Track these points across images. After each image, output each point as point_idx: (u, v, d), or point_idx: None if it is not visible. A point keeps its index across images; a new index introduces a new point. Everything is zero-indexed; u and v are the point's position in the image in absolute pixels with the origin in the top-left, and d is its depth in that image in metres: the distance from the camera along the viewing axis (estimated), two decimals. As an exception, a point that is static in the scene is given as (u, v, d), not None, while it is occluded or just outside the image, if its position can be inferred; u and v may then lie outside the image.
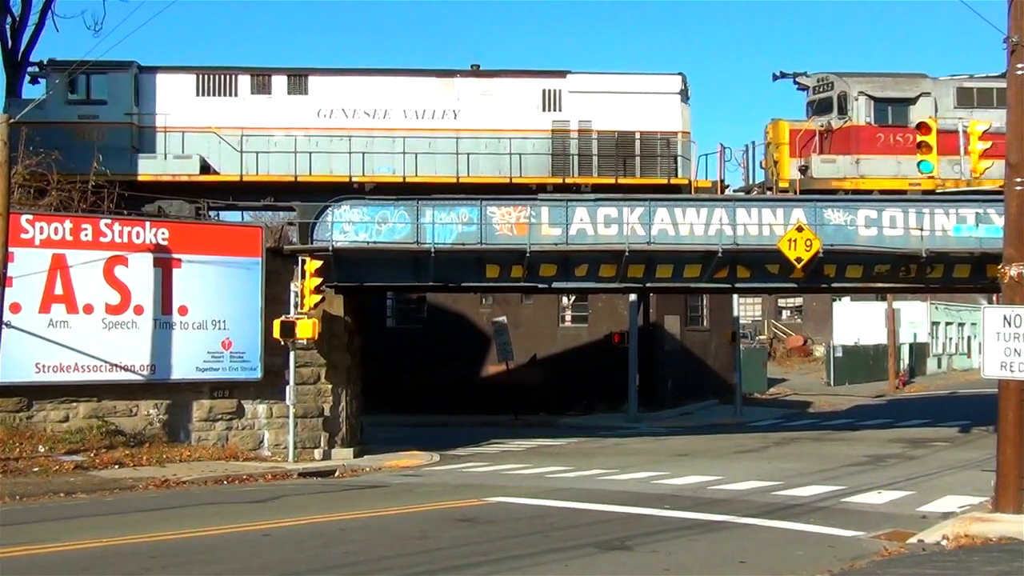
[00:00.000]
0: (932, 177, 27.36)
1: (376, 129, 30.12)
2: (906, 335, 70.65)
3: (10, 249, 22.89)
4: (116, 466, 23.53)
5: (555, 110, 30.66)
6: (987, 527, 14.83)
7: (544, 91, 30.84)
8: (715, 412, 47.13)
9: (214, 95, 30.05)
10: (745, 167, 31.94)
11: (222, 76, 30.25)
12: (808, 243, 28.24)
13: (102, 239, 25.82)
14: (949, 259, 29.86)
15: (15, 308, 24.31)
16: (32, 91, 31.70)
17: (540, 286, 30.94)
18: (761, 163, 32.01)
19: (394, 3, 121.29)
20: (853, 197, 29.97)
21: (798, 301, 77.90)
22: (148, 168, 29.31)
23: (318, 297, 27.33)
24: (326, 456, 28.31)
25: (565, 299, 47.47)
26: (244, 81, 30.24)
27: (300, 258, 27.56)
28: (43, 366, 24.97)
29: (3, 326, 22.84)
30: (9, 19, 34.66)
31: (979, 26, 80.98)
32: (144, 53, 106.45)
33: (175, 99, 29.77)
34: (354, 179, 29.63)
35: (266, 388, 27.69)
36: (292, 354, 27.36)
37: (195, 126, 29.67)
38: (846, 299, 72.92)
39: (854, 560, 13.44)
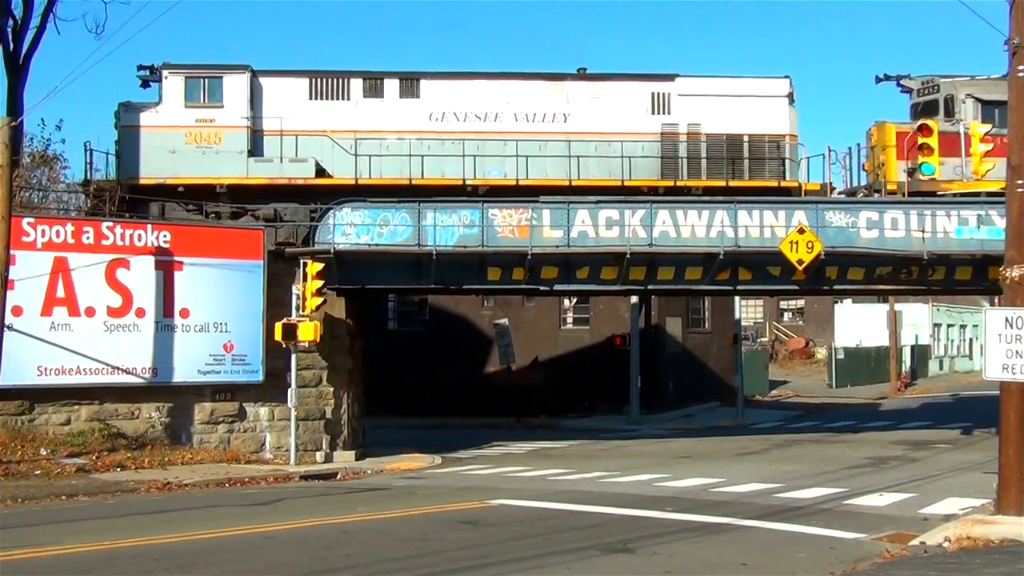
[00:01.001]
0: (933, 179, 27.33)
1: (487, 132, 30.18)
2: (908, 337, 70.61)
3: (12, 252, 22.90)
4: (118, 469, 23.54)
5: (664, 113, 30.71)
6: (989, 529, 14.82)
7: (653, 94, 30.90)
8: (717, 414, 47.11)
9: (327, 99, 30.14)
10: (847, 169, 31.90)
11: (335, 80, 30.34)
12: (810, 245, 28.23)
13: (104, 242, 25.83)
14: (951, 261, 29.84)
15: (17, 311, 24.33)
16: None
17: (541, 288, 30.93)
18: (863, 165, 31.92)
19: (501, 5, 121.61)
20: (854, 199, 29.96)
21: (800, 303, 77.90)
22: (263, 171, 29.39)
23: (320, 299, 27.34)
24: (328, 459, 28.31)
25: (567, 301, 47.47)
26: (356, 85, 30.30)
27: (302, 261, 27.57)
28: (45, 369, 24.98)
29: (5, 329, 22.85)
30: (11, 22, 34.67)
31: (979, 28, 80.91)
32: (255, 57, 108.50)
33: (288, 103, 29.83)
34: (467, 182, 29.71)
35: (268, 390, 27.70)
36: (294, 356, 27.37)
37: (308, 130, 29.70)
38: (848, 301, 72.88)
39: (856, 562, 13.44)
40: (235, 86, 29.45)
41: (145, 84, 30.02)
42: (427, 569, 13.01)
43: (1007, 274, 16.33)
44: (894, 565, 13.22)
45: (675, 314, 49.30)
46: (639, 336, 43.31)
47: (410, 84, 30.49)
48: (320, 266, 27.27)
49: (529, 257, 28.59)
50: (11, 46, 34.69)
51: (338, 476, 25.80)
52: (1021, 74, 16.43)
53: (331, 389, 28.94)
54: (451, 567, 13.09)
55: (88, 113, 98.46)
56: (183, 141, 29.08)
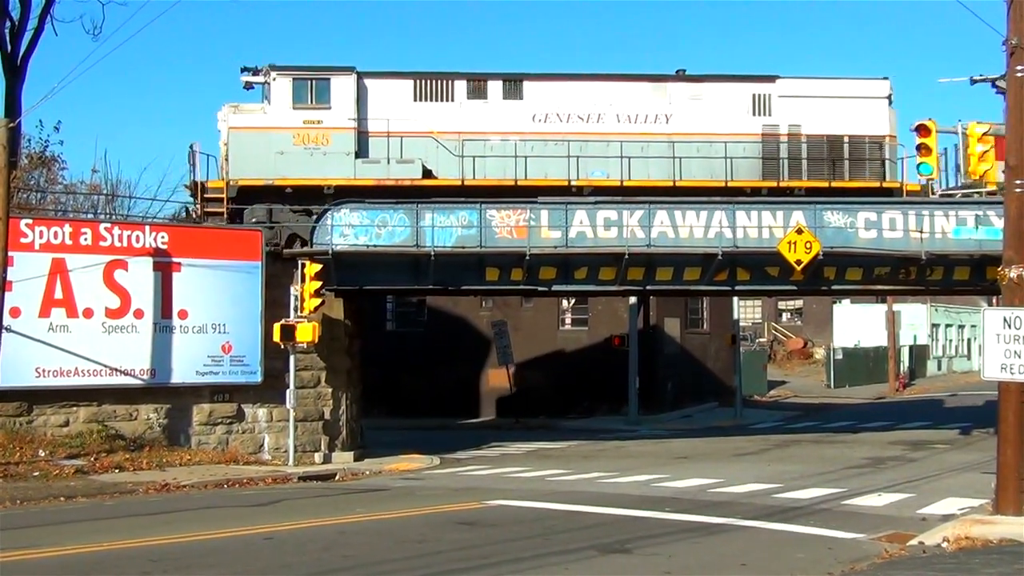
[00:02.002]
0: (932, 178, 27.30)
1: (590, 133, 30.30)
2: (906, 337, 70.61)
3: (10, 253, 22.88)
4: (116, 470, 23.52)
5: (764, 114, 30.77)
6: (987, 529, 14.82)
7: (754, 96, 30.97)
8: (715, 415, 47.10)
9: (431, 100, 30.23)
10: (942, 170, 31.80)
11: (439, 81, 30.44)
12: (808, 245, 28.24)
13: (102, 243, 25.81)
14: (949, 261, 29.85)
15: (15, 312, 24.31)
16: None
17: (540, 289, 30.93)
18: (957, 166, 31.85)
19: (601, 6, 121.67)
20: (852, 199, 29.97)
21: (798, 303, 77.88)
22: (370, 173, 29.49)
23: (318, 301, 27.33)
24: (326, 460, 28.30)
25: (565, 302, 47.45)
26: (460, 86, 30.39)
27: (300, 262, 27.56)
28: (43, 370, 24.96)
29: (3, 330, 22.84)
30: (8, 23, 34.69)
31: (978, 28, 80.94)
32: (354, 57, 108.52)
33: (393, 104, 29.89)
34: (573, 183, 29.74)
35: (266, 392, 27.68)
36: (292, 358, 27.36)
37: (413, 131, 29.72)
38: (846, 301, 72.87)
39: (854, 562, 13.43)
40: (342, 88, 29.56)
41: (248, 86, 30.20)
42: (425, 570, 13.01)
43: (1005, 274, 16.33)
44: (892, 565, 13.21)
45: (673, 315, 49.30)
46: (637, 337, 43.30)
47: (513, 85, 30.62)
48: (318, 267, 27.25)
49: (527, 258, 28.58)
50: (9, 47, 34.73)
51: (336, 477, 25.78)
52: (1019, 74, 16.46)
53: (329, 390, 28.93)
54: (449, 568, 13.09)
55: (87, 114, 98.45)
56: (291, 142, 29.23)
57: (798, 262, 28.43)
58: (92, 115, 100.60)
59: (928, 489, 21.23)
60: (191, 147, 29.26)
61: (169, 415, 26.67)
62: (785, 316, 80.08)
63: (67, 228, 25.65)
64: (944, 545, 14.29)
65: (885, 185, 30.33)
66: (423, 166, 29.68)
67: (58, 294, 25.25)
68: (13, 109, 32.97)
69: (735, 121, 30.70)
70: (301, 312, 27.26)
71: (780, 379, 64.50)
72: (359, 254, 28.58)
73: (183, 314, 26.70)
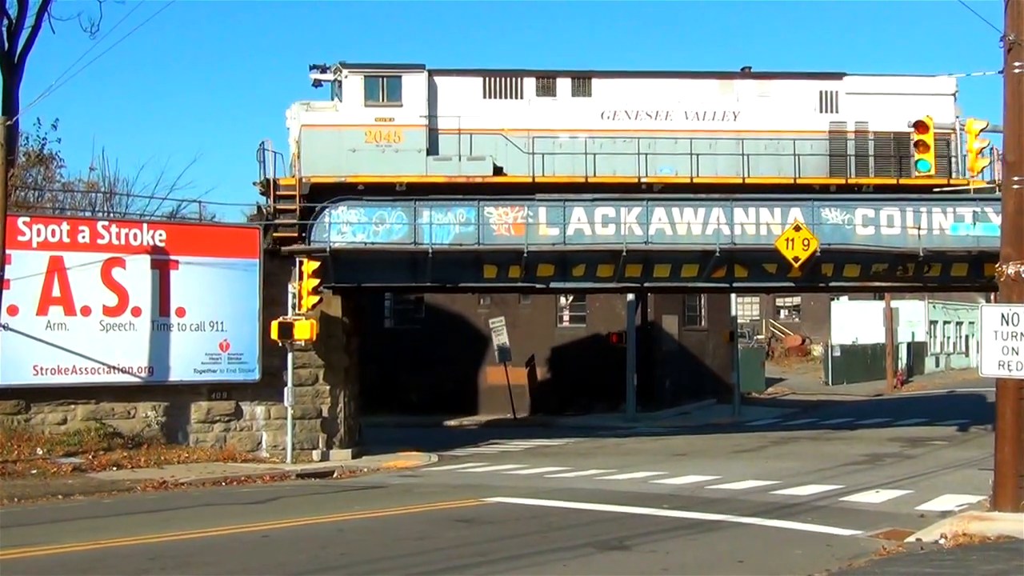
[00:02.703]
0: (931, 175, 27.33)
1: (658, 131, 30.23)
2: (904, 334, 70.67)
3: (7, 251, 22.88)
4: (114, 468, 23.52)
5: (832, 112, 30.70)
6: (985, 526, 14.82)
7: (821, 93, 30.91)
8: (713, 412, 47.13)
9: (500, 98, 30.22)
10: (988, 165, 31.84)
11: (508, 79, 30.44)
12: (805, 242, 28.25)
13: (99, 241, 25.80)
14: (947, 258, 29.87)
15: (12, 310, 24.32)
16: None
17: (538, 286, 30.93)
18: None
19: (665, 5, 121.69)
20: (850, 196, 29.98)
21: (796, 300, 77.90)
22: (442, 170, 29.50)
23: (316, 298, 27.32)
24: (324, 457, 28.30)
25: (563, 299, 47.47)
26: (529, 84, 30.42)
27: (297, 259, 27.55)
28: (41, 368, 24.95)
29: (1, 329, 22.82)
30: (6, 21, 34.65)
31: (975, 24, 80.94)
32: (421, 55, 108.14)
33: (462, 102, 29.89)
34: (643, 180, 29.75)
35: (264, 389, 27.68)
36: (290, 355, 27.35)
37: (482, 128, 29.75)
38: (844, 298, 72.91)
39: (852, 559, 13.43)
40: (413, 85, 29.60)
41: (317, 83, 30.26)
42: (423, 567, 13.00)
43: (1003, 271, 16.32)
44: (890, 562, 13.21)
45: (671, 311, 49.31)
46: (635, 334, 43.32)
47: (582, 83, 30.63)
48: (316, 264, 27.25)
49: (525, 255, 28.59)
50: (6, 45, 34.69)
51: (334, 475, 25.78)
52: (1017, 70, 16.42)
53: (327, 388, 28.93)
54: (448, 565, 13.08)
55: (85, 112, 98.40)
56: (363, 140, 29.27)
57: (796, 259, 28.44)
58: (90, 113, 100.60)
59: (926, 486, 21.23)
60: (262, 144, 29.41)
61: (167, 413, 26.67)
62: (783, 313, 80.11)
63: (65, 226, 25.64)
64: (942, 542, 14.30)
65: (953, 183, 30.25)
66: (493, 163, 29.78)
67: (56, 292, 25.24)
68: (11, 107, 32.93)
69: (802, 118, 30.66)
70: (299, 310, 27.26)
71: (778, 376, 64.53)
72: (357, 251, 28.58)
73: (181, 312, 26.70)
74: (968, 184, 29.79)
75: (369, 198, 28.96)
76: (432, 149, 29.55)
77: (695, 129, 30.26)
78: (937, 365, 75.72)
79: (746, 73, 31.46)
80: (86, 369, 25.41)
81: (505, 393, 44.11)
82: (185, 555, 13.74)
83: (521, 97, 30.30)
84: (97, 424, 25.58)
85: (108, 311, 25.83)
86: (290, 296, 27.62)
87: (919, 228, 29.04)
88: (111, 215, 30.67)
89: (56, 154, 34.58)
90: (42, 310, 25.12)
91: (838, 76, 31.16)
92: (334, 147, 28.97)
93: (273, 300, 27.70)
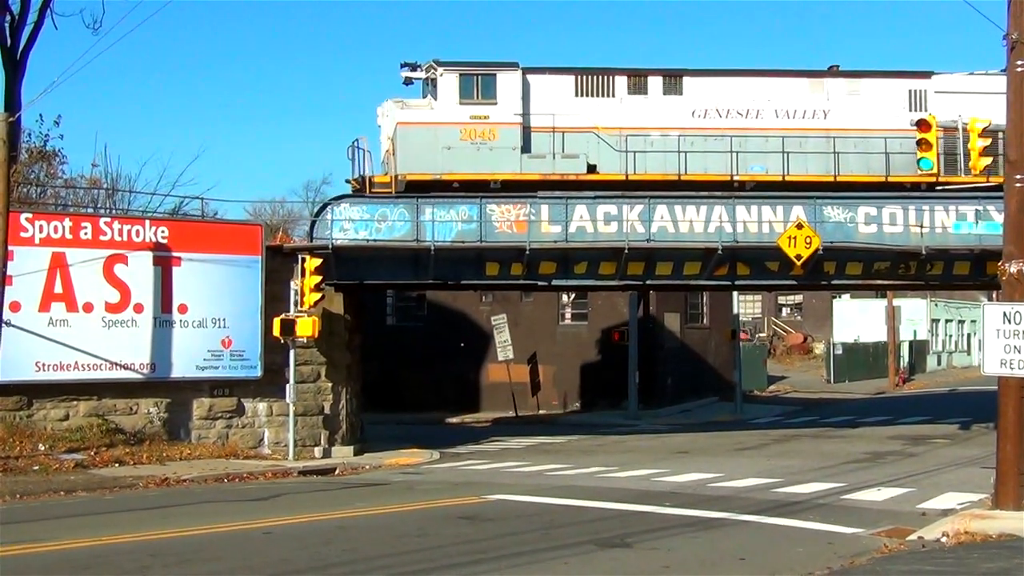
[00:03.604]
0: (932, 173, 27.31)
1: (749, 129, 30.39)
2: (906, 332, 70.64)
3: (10, 247, 22.87)
4: (116, 464, 23.53)
5: (921, 110, 30.48)
6: (987, 524, 14.83)
7: (910, 91, 30.92)
8: (715, 409, 47.13)
9: (592, 96, 30.36)
10: None
11: (600, 77, 30.59)
12: (808, 240, 28.23)
13: (102, 237, 25.81)
14: (949, 256, 29.85)
15: (15, 307, 24.31)
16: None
17: (540, 284, 30.94)
18: None
19: (753, 5, 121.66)
20: (853, 194, 29.96)
21: (798, 298, 77.93)
22: (536, 167, 29.68)
23: (318, 295, 27.33)
24: (326, 454, 28.31)
25: (565, 297, 47.49)
26: (621, 82, 30.57)
27: (300, 256, 27.55)
28: (43, 365, 24.97)
29: (3, 325, 22.83)
30: (8, 17, 34.65)
31: (978, 23, 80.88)
32: (518, 54, 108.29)
33: (555, 100, 30.04)
34: (735, 178, 29.80)
35: (266, 386, 27.69)
36: (292, 352, 27.36)
37: (575, 126, 29.92)
38: (846, 296, 72.92)
39: (854, 557, 13.43)
40: (508, 83, 29.80)
41: (408, 81, 30.47)
42: (424, 564, 13.01)
43: (1005, 269, 16.30)
44: (892, 560, 13.22)
45: (673, 309, 49.31)
46: (637, 331, 43.31)
47: (673, 81, 30.79)
48: (318, 261, 27.25)
49: (527, 252, 28.58)
50: (8, 42, 34.70)
51: (336, 471, 25.80)
52: (1019, 68, 16.45)
53: (329, 384, 28.94)
54: (449, 562, 13.09)
55: (87, 109, 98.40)
56: (458, 137, 29.48)
57: (798, 257, 28.43)
58: (92, 110, 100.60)
59: (928, 484, 21.22)
60: (355, 142, 29.71)
61: (169, 409, 26.68)
62: (785, 311, 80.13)
63: (67, 222, 25.65)
64: (943, 540, 14.30)
65: None
66: (587, 161, 29.93)
67: (58, 288, 25.26)
68: (13, 103, 32.94)
69: (891, 117, 30.65)
70: (301, 307, 27.27)
71: (780, 374, 64.51)
72: (359, 248, 28.58)
73: (183, 308, 26.71)
74: None
75: (371, 195, 28.98)
76: (526, 147, 29.81)
77: (785, 127, 30.47)
78: (939, 363, 75.70)
79: (835, 72, 31.56)
80: (88, 365, 25.43)
81: (507, 390, 44.13)
82: (187, 552, 13.75)
83: (613, 95, 30.47)
84: (99, 420, 25.60)
85: (110, 308, 25.84)
86: (292, 293, 27.63)
87: (921, 226, 29.03)
88: (113, 212, 30.69)
89: (58, 151, 34.64)
90: (44, 306, 25.13)
91: (926, 75, 31.19)
92: (429, 144, 29.27)
93: (275, 297, 27.71)
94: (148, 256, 26.33)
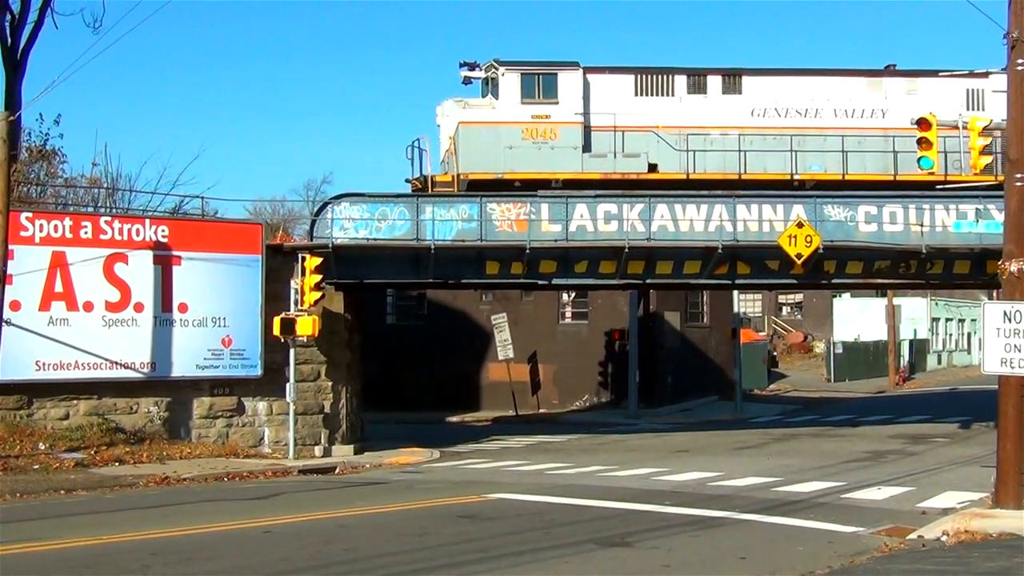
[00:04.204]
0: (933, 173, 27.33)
1: (808, 128, 30.50)
2: (906, 331, 70.64)
3: (10, 247, 22.89)
4: (116, 463, 23.54)
5: (978, 109, 30.60)
6: (987, 523, 14.83)
7: (968, 91, 31.01)
8: (715, 408, 47.12)
9: (652, 95, 30.53)
10: None
11: (659, 76, 30.75)
12: (808, 239, 28.23)
13: (102, 236, 25.81)
14: (949, 255, 29.84)
15: (15, 306, 24.32)
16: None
17: (540, 283, 30.92)
18: None
19: (816, 4, 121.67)
20: (853, 193, 29.95)
21: (798, 297, 77.93)
22: (597, 167, 29.87)
23: (318, 294, 27.32)
24: (326, 453, 28.31)
25: (565, 296, 47.46)
26: (681, 81, 30.75)
27: (300, 255, 27.54)
28: (43, 364, 24.97)
29: (3, 324, 22.84)
30: (8, 16, 34.65)
31: (978, 21, 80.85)
32: (576, 53, 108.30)
33: (615, 99, 30.20)
34: (795, 177, 29.86)
35: (266, 385, 27.69)
36: (292, 351, 27.36)
37: (635, 125, 30.07)
38: (846, 295, 72.93)
39: (854, 556, 13.44)
40: (569, 83, 29.98)
41: (467, 80, 30.70)
42: (425, 563, 13.01)
43: (1006, 268, 16.31)
44: (892, 559, 13.22)
45: (673, 308, 49.29)
46: (637, 330, 43.30)
47: (733, 80, 30.98)
48: (318, 260, 27.25)
49: (527, 251, 28.57)
50: (9, 41, 34.72)
51: (336, 470, 25.81)
52: (1020, 67, 16.42)
53: (329, 383, 28.94)
54: (449, 561, 13.09)
55: (87, 108, 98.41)
56: (520, 136, 29.68)
57: (798, 256, 28.42)
58: (92, 109, 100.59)
59: (928, 483, 21.23)
60: (415, 142, 30.00)
61: (169, 408, 26.69)
62: (785, 310, 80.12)
63: (67, 222, 25.65)
64: (944, 539, 14.30)
65: None
66: (647, 160, 30.09)
67: (58, 287, 25.26)
68: (13, 102, 32.95)
69: (950, 116, 30.69)
70: (301, 306, 27.26)
71: (780, 373, 64.49)
72: (359, 248, 28.57)
73: (183, 307, 26.71)
74: None
75: (371, 194, 28.99)
76: (586, 146, 29.98)
77: (844, 126, 30.59)
78: (939, 362, 75.70)
79: (893, 71, 31.57)
80: (88, 364, 25.42)
81: (507, 389, 44.11)
82: (187, 551, 13.75)
83: (672, 95, 30.64)
84: (99, 419, 25.60)
85: (110, 307, 25.84)
86: (292, 292, 27.62)
87: (922, 225, 29.02)
88: (114, 211, 30.69)
89: (59, 150, 34.67)
90: (44, 305, 25.13)
91: (983, 74, 31.16)
92: (491, 144, 29.48)
93: (275, 296, 27.71)
94: (148, 255, 26.33)
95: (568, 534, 15.31)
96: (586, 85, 30.13)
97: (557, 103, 29.83)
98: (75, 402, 25.53)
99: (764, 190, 29.80)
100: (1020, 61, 16.38)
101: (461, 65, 30.35)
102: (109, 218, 26.52)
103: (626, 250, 28.76)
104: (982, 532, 14.41)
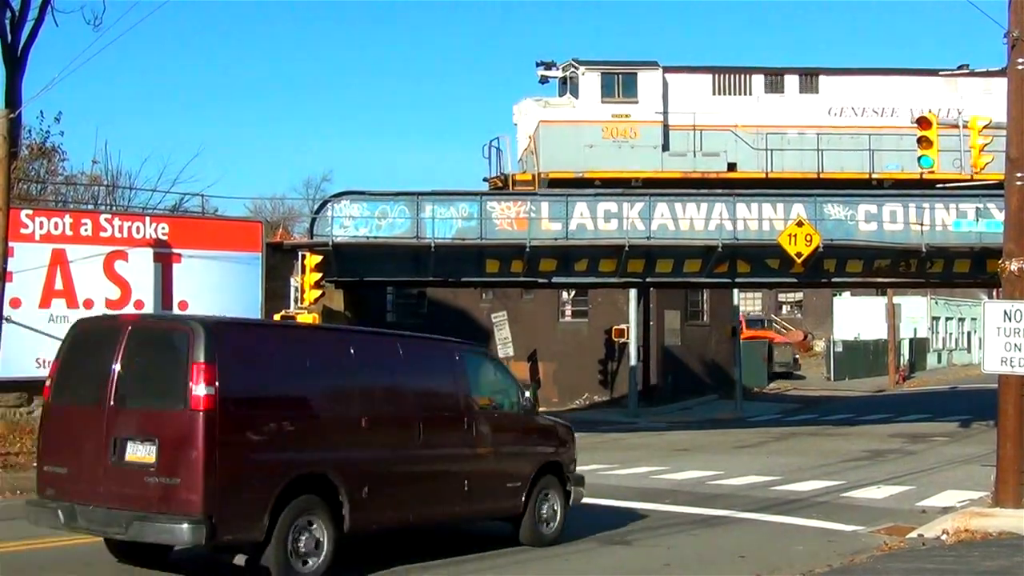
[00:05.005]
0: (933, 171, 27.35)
1: (884, 127, 30.56)
2: (906, 330, 70.61)
3: (10, 244, 22.79)
4: (116, 461, 23.48)
5: None
6: (987, 522, 14.83)
7: None
8: (715, 407, 47.09)
9: (729, 94, 30.77)
10: None
11: (737, 76, 31.03)
12: (808, 238, 28.23)
13: (102, 234, 25.78)
14: (949, 254, 29.86)
15: (15, 303, 24.28)
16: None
17: (540, 281, 30.96)
18: None
19: (881, 5, 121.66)
20: (853, 191, 29.96)
21: (798, 296, 77.89)
22: (677, 165, 30.10)
23: (318, 292, 27.30)
24: (326, 451, 28.26)
25: (565, 294, 47.47)
26: (758, 81, 31.02)
27: (300, 253, 27.54)
28: (44, 361, 24.80)
29: (3, 321, 22.81)
30: (9, 14, 34.61)
31: (979, 20, 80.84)
32: (651, 52, 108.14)
33: (693, 98, 30.41)
34: (873, 176, 29.93)
35: (266, 383, 27.60)
36: (292, 349, 27.28)
37: (712, 124, 30.25)
38: (846, 294, 72.89)
39: (854, 555, 13.44)
40: (649, 82, 30.21)
41: (543, 80, 30.94)
42: (424, 561, 12.99)
43: (1006, 267, 16.31)
44: (892, 558, 13.22)
45: (673, 307, 49.27)
46: (637, 329, 43.29)
47: (809, 80, 31.19)
48: (318, 258, 27.22)
49: (527, 250, 28.57)
50: (9, 38, 34.65)
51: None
52: (1020, 67, 16.46)
53: (329, 382, 28.86)
54: (448, 559, 13.07)
55: (89, 105, 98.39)
56: (600, 135, 29.90)
57: (798, 255, 28.42)
58: (93, 106, 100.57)
59: (927, 482, 21.24)
60: (494, 142, 30.41)
61: (169, 406, 26.62)
62: (785, 309, 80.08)
63: (67, 219, 25.62)
64: (943, 538, 14.31)
65: None
66: (726, 159, 30.28)
67: (58, 285, 25.22)
68: (14, 100, 32.89)
69: None
70: (301, 303, 27.24)
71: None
72: (359, 246, 28.58)
73: (183, 305, 26.67)
74: None
75: (371, 192, 28.99)
76: (665, 145, 30.13)
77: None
78: (939, 361, 75.68)
79: (968, 71, 31.56)
80: (88, 362, 25.35)
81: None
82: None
83: (750, 94, 30.86)
84: (99, 417, 25.53)
85: (111, 304, 25.80)
86: (292, 290, 27.61)
87: (922, 224, 29.05)
88: (114, 208, 30.65)
89: (59, 147, 34.59)
90: (45, 303, 25.10)
91: None
92: (571, 142, 29.71)
93: (275, 294, 27.69)
94: (148, 253, 26.31)
95: (568, 532, 15.29)
96: (665, 84, 30.35)
97: (637, 102, 30.06)
98: (75, 400, 25.46)
99: (763, 189, 29.77)
100: (1020, 60, 16.42)
101: (538, 64, 30.74)
102: (109, 215, 26.49)
103: (626, 248, 28.77)
104: (982, 531, 14.41)
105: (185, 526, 10.08)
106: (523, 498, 13.72)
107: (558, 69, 30.50)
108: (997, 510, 15.59)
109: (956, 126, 29.44)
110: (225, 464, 10.29)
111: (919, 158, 25.45)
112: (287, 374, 11.29)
